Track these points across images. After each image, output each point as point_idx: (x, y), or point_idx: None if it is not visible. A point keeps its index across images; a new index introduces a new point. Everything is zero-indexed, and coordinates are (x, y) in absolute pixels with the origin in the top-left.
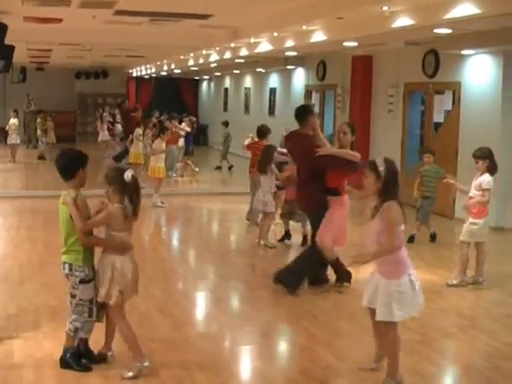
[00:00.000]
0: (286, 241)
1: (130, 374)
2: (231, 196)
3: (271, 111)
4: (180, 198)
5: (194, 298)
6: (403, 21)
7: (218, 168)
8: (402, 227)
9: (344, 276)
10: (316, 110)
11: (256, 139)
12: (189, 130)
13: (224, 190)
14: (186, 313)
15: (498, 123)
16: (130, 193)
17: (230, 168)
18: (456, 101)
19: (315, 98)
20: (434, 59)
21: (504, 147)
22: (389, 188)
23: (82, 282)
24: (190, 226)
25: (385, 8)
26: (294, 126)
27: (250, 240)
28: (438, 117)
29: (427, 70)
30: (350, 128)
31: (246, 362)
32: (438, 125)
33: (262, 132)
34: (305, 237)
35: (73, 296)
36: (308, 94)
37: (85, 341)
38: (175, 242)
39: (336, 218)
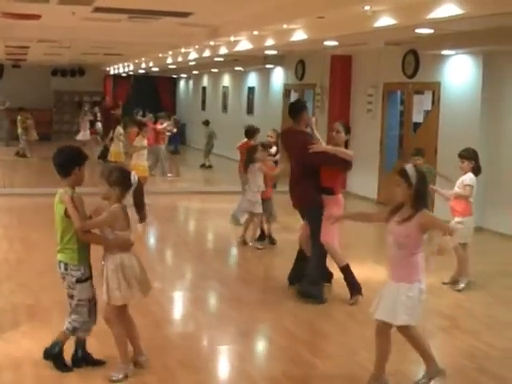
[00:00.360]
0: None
1: (119, 375)
2: (213, 195)
3: (250, 110)
4: (163, 196)
5: (173, 298)
6: (385, 20)
7: (204, 166)
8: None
9: (356, 287)
10: None
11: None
12: (175, 130)
13: (207, 189)
14: (165, 312)
15: (477, 123)
16: (135, 195)
17: (208, 166)
18: (435, 101)
19: (294, 98)
20: (414, 59)
21: (483, 147)
22: (420, 196)
23: (78, 281)
24: (170, 225)
25: (367, 7)
26: (273, 125)
27: (233, 239)
28: (418, 117)
29: (407, 70)
30: (343, 127)
31: (226, 362)
32: (417, 125)
33: (250, 132)
34: (262, 231)
35: (70, 296)
36: (287, 93)
37: (83, 345)
38: (155, 240)
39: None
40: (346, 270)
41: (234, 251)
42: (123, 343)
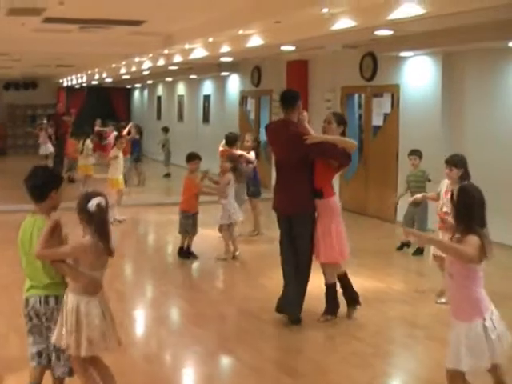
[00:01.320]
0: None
1: None
2: (173, 206)
3: (206, 118)
4: (125, 209)
5: (135, 317)
6: (344, 23)
7: (167, 175)
8: (482, 266)
9: (334, 308)
10: (251, 116)
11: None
12: (137, 137)
13: (167, 200)
14: (128, 333)
15: (438, 125)
16: (96, 225)
17: (166, 175)
18: (395, 104)
19: (251, 104)
20: (372, 62)
21: (444, 149)
22: (461, 218)
23: None
24: (130, 239)
25: (325, 10)
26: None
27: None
28: (377, 120)
29: (365, 73)
30: (335, 117)
31: None
32: (377, 128)
33: (231, 139)
34: (181, 248)
35: None
36: (243, 100)
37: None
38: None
39: (327, 229)
40: (333, 288)
41: (197, 265)
42: None
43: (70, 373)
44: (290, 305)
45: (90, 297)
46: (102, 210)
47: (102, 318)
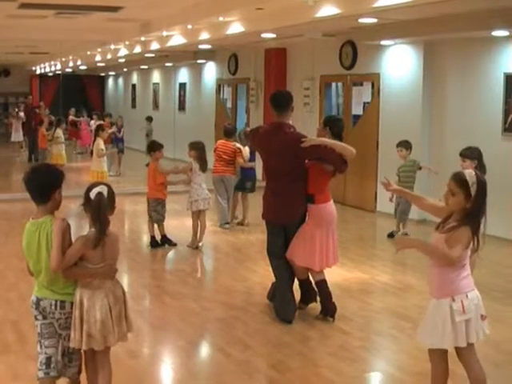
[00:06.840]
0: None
1: None
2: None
3: (181, 107)
4: None
5: None
6: (328, 10)
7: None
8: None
9: (327, 308)
10: (228, 104)
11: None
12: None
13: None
14: None
15: (419, 114)
16: (92, 211)
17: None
18: (375, 92)
19: (227, 93)
20: (352, 50)
21: (425, 138)
22: (476, 211)
23: None
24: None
25: None
26: (206, 121)
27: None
28: (357, 109)
29: (344, 61)
30: (325, 119)
31: (180, 381)
32: (357, 117)
33: (230, 131)
34: (153, 237)
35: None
36: (219, 88)
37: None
38: None
39: (310, 235)
40: (323, 285)
41: (176, 257)
42: None
43: (79, 372)
44: (290, 311)
45: (94, 290)
46: (102, 197)
47: (106, 311)
